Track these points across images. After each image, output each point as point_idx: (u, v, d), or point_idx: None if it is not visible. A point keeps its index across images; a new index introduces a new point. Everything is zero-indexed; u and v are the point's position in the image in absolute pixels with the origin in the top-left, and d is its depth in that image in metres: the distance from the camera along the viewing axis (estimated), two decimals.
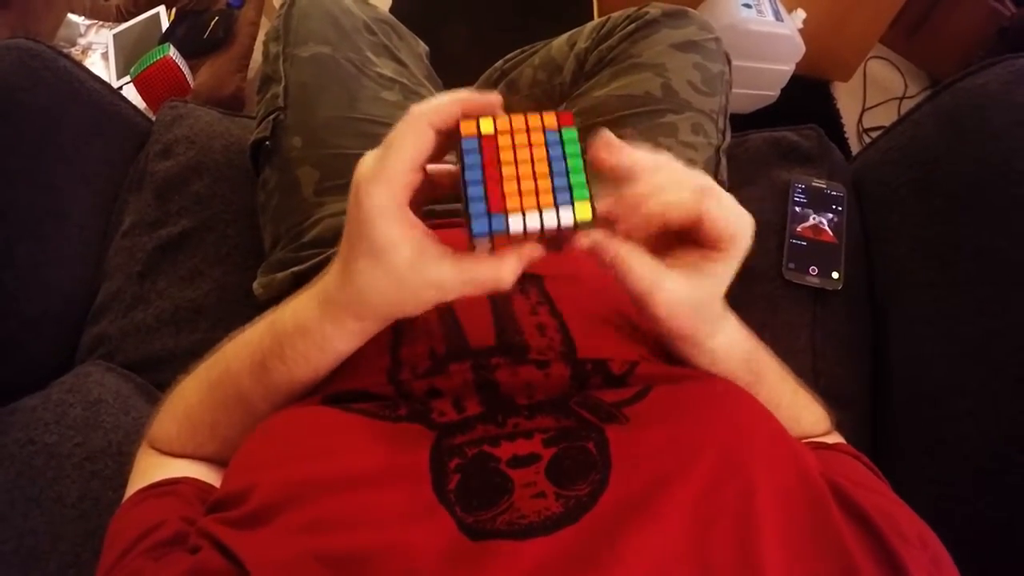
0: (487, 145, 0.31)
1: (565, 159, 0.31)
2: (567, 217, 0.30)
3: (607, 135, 0.32)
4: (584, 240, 0.32)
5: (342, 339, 0.36)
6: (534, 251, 0.32)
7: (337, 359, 0.38)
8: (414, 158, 0.30)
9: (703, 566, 0.29)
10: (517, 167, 0.31)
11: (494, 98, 0.32)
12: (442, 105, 0.31)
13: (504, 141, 0.31)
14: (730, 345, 0.39)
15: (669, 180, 0.32)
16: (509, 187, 0.30)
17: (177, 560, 0.33)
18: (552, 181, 0.31)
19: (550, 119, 0.31)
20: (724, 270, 0.34)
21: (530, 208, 0.30)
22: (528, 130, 0.31)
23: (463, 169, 0.31)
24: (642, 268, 0.32)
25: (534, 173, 0.31)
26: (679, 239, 0.34)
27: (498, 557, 0.29)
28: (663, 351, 0.42)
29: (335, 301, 0.35)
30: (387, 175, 0.30)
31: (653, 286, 0.32)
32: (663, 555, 0.29)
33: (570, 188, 0.31)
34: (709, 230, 0.32)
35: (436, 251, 0.31)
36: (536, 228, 0.30)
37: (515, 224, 0.30)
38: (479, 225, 0.30)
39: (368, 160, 0.31)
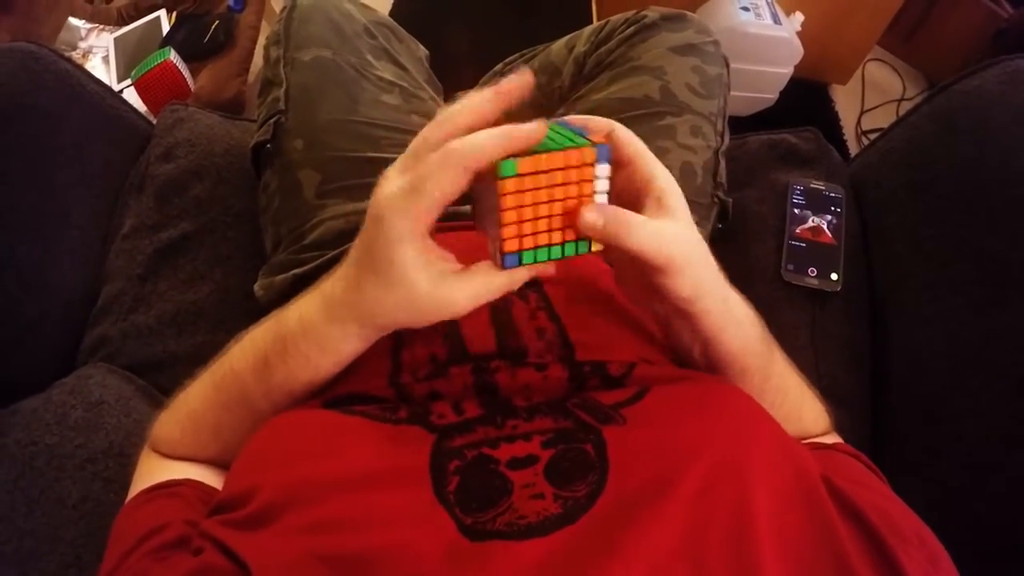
0: (516, 189, 0.30)
1: (580, 187, 0.32)
2: (582, 248, 0.33)
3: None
4: (594, 221, 0.32)
5: (344, 341, 0.36)
6: (547, 268, 0.34)
7: (338, 361, 0.38)
8: (446, 196, 0.30)
9: (700, 567, 0.29)
10: (538, 208, 0.32)
11: (535, 131, 0.30)
12: (484, 148, 0.29)
13: (532, 183, 0.31)
14: (736, 311, 0.39)
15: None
16: (527, 228, 0.32)
17: (180, 562, 0.34)
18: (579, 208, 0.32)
19: (589, 154, 0.31)
20: (673, 203, 0.35)
21: (542, 244, 0.32)
22: (562, 169, 0.31)
23: (496, 198, 0.31)
24: (649, 228, 0.33)
25: (551, 213, 0.32)
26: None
27: (497, 558, 0.29)
28: (670, 352, 0.42)
29: (341, 305, 0.35)
30: (415, 213, 0.30)
31: (665, 245, 0.33)
32: (661, 555, 0.29)
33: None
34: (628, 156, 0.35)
35: (450, 270, 0.33)
36: (554, 257, 0.33)
37: (540, 255, 0.33)
38: (510, 260, 0.32)
39: (393, 188, 0.31)
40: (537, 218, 0.31)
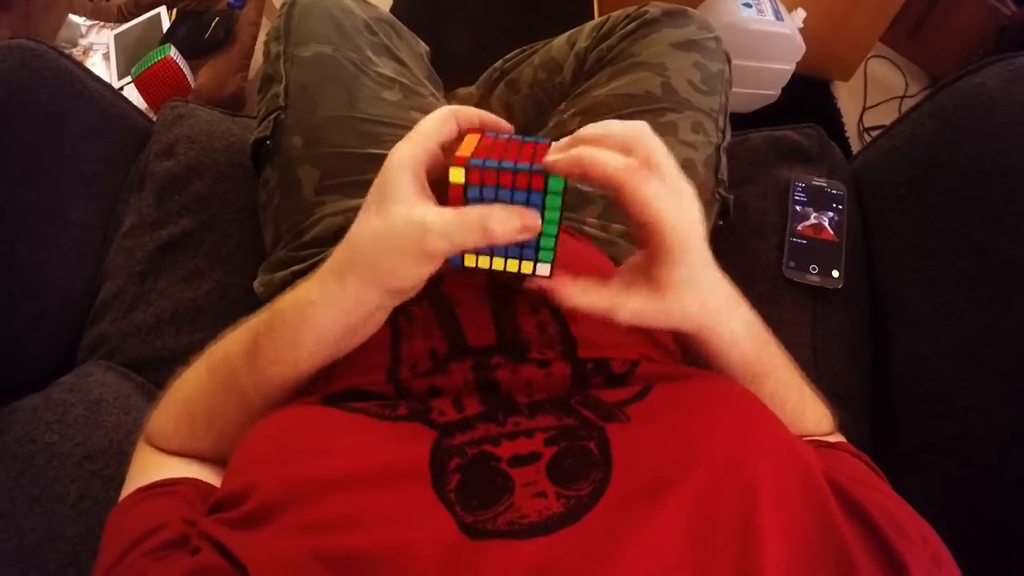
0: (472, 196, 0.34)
1: (543, 212, 0.33)
2: (527, 268, 0.36)
3: (545, 162, 0.33)
4: (533, 286, 0.36)
5: (325, 307, 0.35)
6: (527, 215, 0.33)
7: (320, 339, 0.37)
8: (439, 131, 0.35)
9: (703, 566, 0.29)
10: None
11: (507, 128, 0.38)
12: (466, 109, 0.37)
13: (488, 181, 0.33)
14: (740, 333, 0.39)
15: (614, 141, 0.33)
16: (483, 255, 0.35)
17: (177, 561, 0.33)
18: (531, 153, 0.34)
19: (538, 180, 0.33)
20: (679, 271, 0.34)
21: (496, 256, 0.36)
22: (515, 174, 0.33)
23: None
24: (592, 302, 0.35)
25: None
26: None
27: (499, 557, 0.29)
28: (674, 349, 0.42)
29: (330, 263, 0.36)
30: (413, 138, 0.35)
31: (612, 311, 0.35)
32: (664, 555, 0.29)
33: (537, 247, 0.35)
34: (632, 212, 0.33)
35: (432, 202, 0.34)
36: (499, 270, 0.36)
37: (474, 263, 0.36)
38: (452, 259, 0.35)
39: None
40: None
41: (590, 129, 0.34)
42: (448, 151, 0.35)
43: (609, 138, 0.33)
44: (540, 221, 0.33)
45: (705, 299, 0.36)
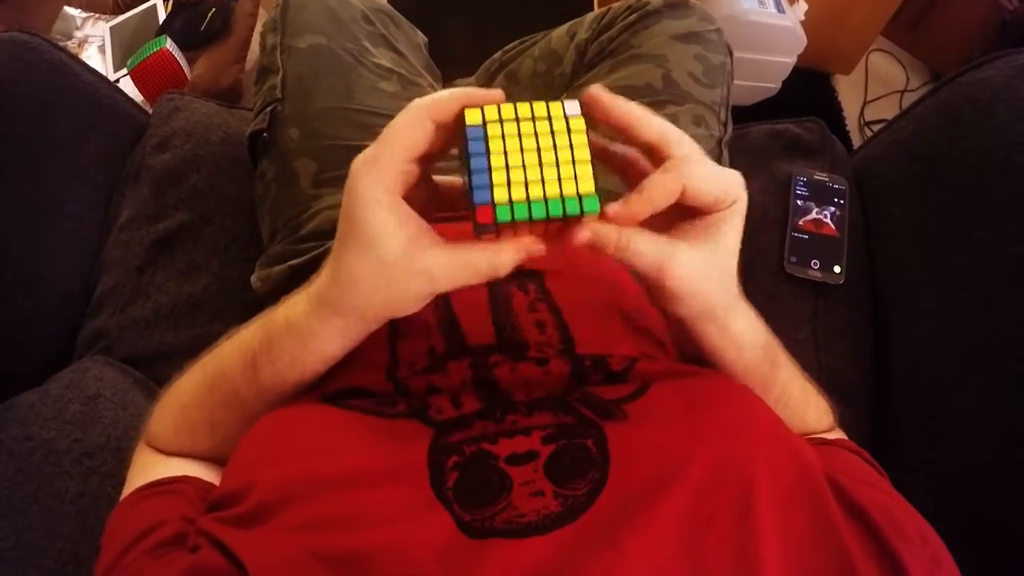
0: (493, 135, 0.30)
1: (572, 148, 0.30)
2: (573, 207, 0.30)
3: (595, 89, 0.32)
4: (584, 233, 0.31)
5: (327, 338, 0.35)
6: (534, 244, 0.31)
7: (323, 360, 0.37)
8: (409, 148, 0.30)
9: (701, 565, 0.29)
10: (523, 156, 0.30)
11: (496, 94, 0.31)
12: (442, 99, 0.31)
13: (510, 129, 0.30)
14: (751, 330, 0.38)
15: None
16: (516, 176, 0.30)
17: (177, 559, 0.33)
18: (558, 171, 0.30)
19: (556, 108, 0.31)
20: (729, 231, 0.33)
21: (536, 198, 0.30)
22: (534, 119, 0.31)
23: (468, 157, 0.30)
24: (650, 249, 0.32)
25: (540, 162, 0.30)
26: (677, 214, 0.34)
27: (496, 556, 0.29)
28: (674, 347, 0.42)
29: (323, 297, 0.34)
30: (380, 164, 0.30)
31: (666, 263, 0.32)
32: (662, 554, 0.29)
33: (576, 179, 0.30)
34: (692, 200, 0.32)
35: (429, 240, 0.31)
36: (541, 217, 0.30)
37: (520, 213, 0.29)
38: (483, 214, 0.29)
39: (365, 152, 0.31)
40: (510, 169, 0.30)
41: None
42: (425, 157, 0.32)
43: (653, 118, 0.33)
44: (544, 245, 0.31)
45: (730, 279, 0.35)
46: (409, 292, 0.32)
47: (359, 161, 0.31)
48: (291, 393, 0.39)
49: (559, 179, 0.30)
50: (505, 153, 0.30)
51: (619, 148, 0.36)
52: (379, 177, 0.30)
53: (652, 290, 0.34)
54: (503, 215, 0.29)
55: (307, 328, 0.35)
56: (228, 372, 0.40)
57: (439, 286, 0.31)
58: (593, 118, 0.32)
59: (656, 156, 0.33)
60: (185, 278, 0.74)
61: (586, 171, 0.30)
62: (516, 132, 0.30)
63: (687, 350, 0.41)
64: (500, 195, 0.29)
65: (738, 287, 0.37)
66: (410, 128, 0.30)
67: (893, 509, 0.34)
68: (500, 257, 0.31)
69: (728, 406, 0.36)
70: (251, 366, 0.38)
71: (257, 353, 0.38)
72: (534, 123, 0.31)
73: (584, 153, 0.30)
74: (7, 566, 0.53)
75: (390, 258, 0.30)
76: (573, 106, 0.31)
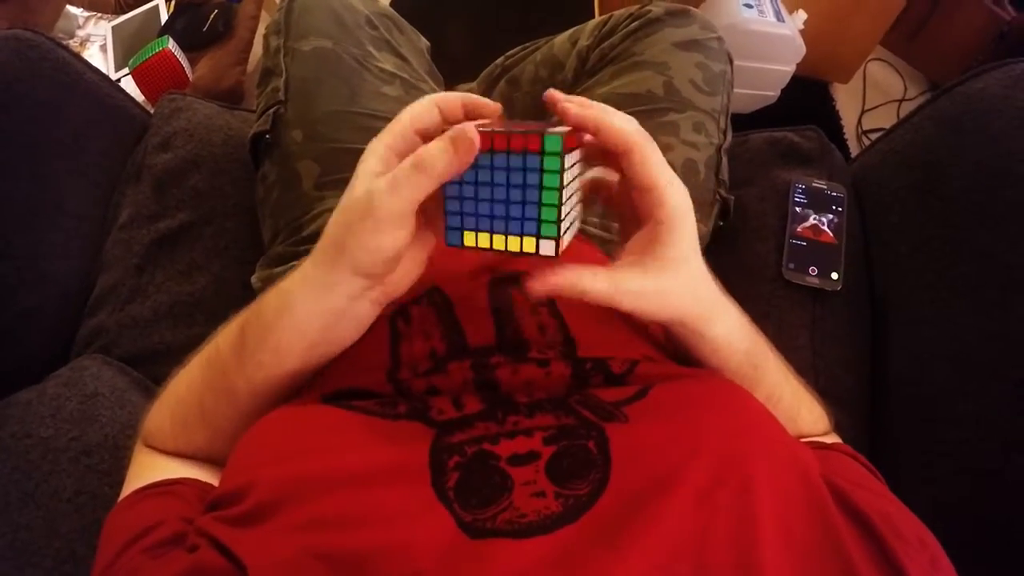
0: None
1: (540, 188, 0.32)
2: (529, 246, 0.33)
3: (550, 93, 0.34)
4: (535, 285, 0.33)
5: (303, 295, 0.35)
6: (460, 133, 0.31)
7: (300, 332, 0.36)
8: (414, 118, 0.34)
9: (702, 566, 0.29)
10: (493, 190, 0.32)
11: (495, 107, 0.35)
12: (450, 95, 0.35)
13: (484, 161, 0.32)
14: (730, 334, 0.39)
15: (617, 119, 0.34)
16: (482, 208, 0.33)
17: (175, 559, 0.33)
18: (523, 210, 0.32)
19: (534, 142, 0.31)
20: (677, 240, 0.34)
21: (497, 233, 0.33)
22: (508, 137, 0.31)
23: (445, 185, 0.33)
24: (595, 284, 0.33)
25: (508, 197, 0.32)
26: (626, 232, 0.36)
27: (497, 556, 0.29)
28: (668, 349, 0.42)
29: (320, 245, 0.35)
30: (389, 127, 0.34)
31: (613, 293, 0.34)
32: (663, 555, 0.29)
33: (539, 221, 0.32)
34: (637, 176, 0.33)
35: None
36: (500, 249, 0.33)
37: (474, 241, 0.34)
38: (451, 237, 0.34)
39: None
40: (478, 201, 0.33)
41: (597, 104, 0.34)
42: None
43: (615, 115, 0.33)
44: (476, 135, 0.31)
45: (697, 286, 0.36)
46: (362, 212, 0.32)
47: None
48: (272, 380, 0.38)
49: (522, 218, 0.32)
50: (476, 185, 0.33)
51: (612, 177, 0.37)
52: (383, 135, 0.34)
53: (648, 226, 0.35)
54: (457, 241, 0.34)
55: (286, 285, 0.36)
56: (221, 350, 0.41)
57: (381, 200, 0.31)
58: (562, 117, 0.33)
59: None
60: (184, 278, 0.74)
61: (550, 216, 0.32)
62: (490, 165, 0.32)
63: (676, 352, 0.41)
64: (468, 239, 0.34)
65: (718, 289, 0.38)
66: (419, 106, 0.34)
67: (892, 513, 0.34)
68: (429, 149, 0.31)
69: (728, 408, 0.36)
70: (240, 340, 0.38)
71: (246, 324, 0.38)
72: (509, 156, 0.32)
73: (552, 194, 0.31)
74: (4, 564, 0.53)
75: (358, 189, 0.32)
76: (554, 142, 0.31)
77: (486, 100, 0.35)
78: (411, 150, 0.32)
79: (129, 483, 0.43)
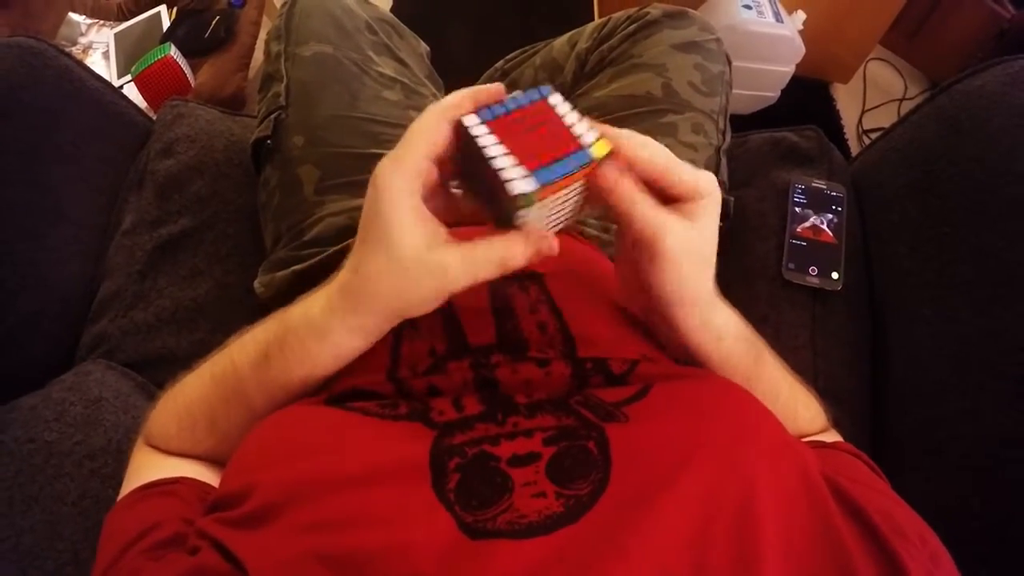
0: (494, 125, 0.32)
1: (560, 116, 0.33)
2: (589, 154, 0.32)
3: (615, 134, 0.34)
4: (609, 175, 0.33)
5: (343, 334, 0.36)
6: (545, 240, 0.33)
7: (337, 355, 0.37)
8: (428, 146, 0.33)
9: (703, 565, 0.29)
10: (523, 135, 0.33)
11: (497, 86, 0.34)
12: (454, 100, 0.33)
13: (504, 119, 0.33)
14: (729, 323, 0.39)
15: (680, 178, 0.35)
16: (532, 148, 0.32)
17: (176, 561, 0.33)
18: (567, 130, 0.33)
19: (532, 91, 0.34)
20: (709, 219, 0.35)
21: (560, 155, 0.32)
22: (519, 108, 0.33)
23: (481, 149, 0.32)
24: (649, 212, 0.33)
25: (540, 136, 0.33)
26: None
27: (498, 557, 0.29)
28: (666, 350, 0.42)
29: (342, 291, 0.35)
30: (404, 162, 0.32)
31: (660, 228, 0.33)
32: (663, 554, 0.29)
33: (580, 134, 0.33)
34: (678, 183, 0.34)
35: (444, 238, 0.33)
36: (571, 170, 0.32)
37: (559, 170, 0.31)
38: (525, 184, 0.31)
39: (390, 153, 0.33)
40: (525, 149, 0.32)
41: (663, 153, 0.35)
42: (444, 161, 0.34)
43: (678, 172, 0.35)
44: (557, 242, 0.33)
45: (708, 268, 0.37)
46: (424, 288, 0.33)
47: (385, 161, 0.33)
48: (298, 391, 0.39)
49: (572, 137, 0.33)
50: (511, 135, 0.32)
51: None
52: (402, 174, 0.32)
53: (641, 261, 0.35)
54: (543, 178, 0.31)
55: (324, 323, 0.36)
56: (237, 366, 0.41)
57: (453, 280, 0.33)
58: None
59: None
60: (187, 283, 0.74)
61: (584, 126, 0.33)
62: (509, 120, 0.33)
63: (675, 350, 0.41)
64: (530, 164, 0.31)
65: (715, 286, 0.38)
66: (429, 129, 0.33)
67: (892, 511, 0.34)
68: (512, 248, 0.32)
69: (728, 407, 0.36)
70: (262, 358, 0.39)
71: (270, 345, 0.38)
72: (521, 111, 0.33)
73: (572, 115, 0.33)
74: (7, 567, 0.53)
75: (407, 252, 0.32)
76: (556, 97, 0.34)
77: (486, 87, 0.34)
78: (428, 181, 0.33)
79: (129, 481, 0.44)
